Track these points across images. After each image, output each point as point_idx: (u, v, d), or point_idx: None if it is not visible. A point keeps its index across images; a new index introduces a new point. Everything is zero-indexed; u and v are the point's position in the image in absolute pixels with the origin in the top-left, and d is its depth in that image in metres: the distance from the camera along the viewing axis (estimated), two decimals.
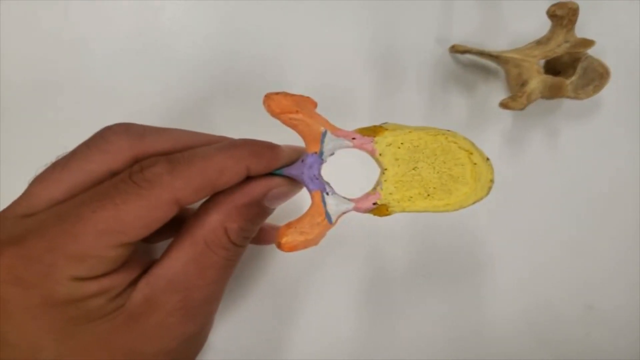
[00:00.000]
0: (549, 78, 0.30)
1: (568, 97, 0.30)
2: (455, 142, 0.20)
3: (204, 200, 0.21)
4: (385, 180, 0.20)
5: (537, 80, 0.30)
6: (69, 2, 0.31)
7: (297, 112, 0.19)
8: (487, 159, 0.20)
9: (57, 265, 0.17)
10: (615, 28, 0.34)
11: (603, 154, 0.33)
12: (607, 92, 0.31)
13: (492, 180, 0.20)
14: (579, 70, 0.30)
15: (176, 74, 0.31)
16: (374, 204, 0.20)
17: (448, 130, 0.20)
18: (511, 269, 0.32)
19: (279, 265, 0.30)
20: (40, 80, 0.30)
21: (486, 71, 0.33)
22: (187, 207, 0.22)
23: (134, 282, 0.19)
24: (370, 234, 0.31)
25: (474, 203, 0.20)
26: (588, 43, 0.29)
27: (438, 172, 0.20)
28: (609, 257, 0.33)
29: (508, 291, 0.32)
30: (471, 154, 0.20)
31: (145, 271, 0.20)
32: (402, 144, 0.20)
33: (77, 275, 0.18)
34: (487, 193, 0.20)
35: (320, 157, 0.20)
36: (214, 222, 0.20)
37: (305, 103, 0.20)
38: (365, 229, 0.31)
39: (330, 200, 0.20)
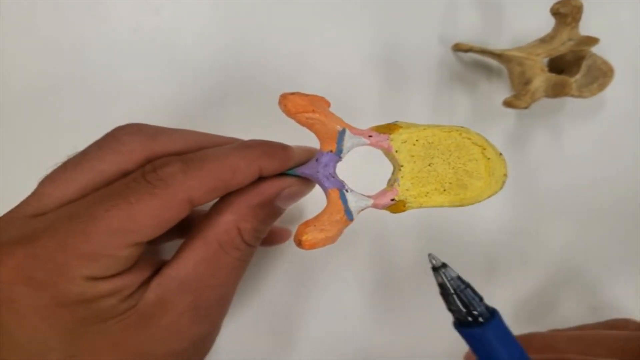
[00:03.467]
0: (553, 76, 0.29)
1: (572, 95, 0.30)
2: (468, 138, 0.20)
3: (214, 201, 0.21)
4: (401, 177, 0.20)
5: (540, 79, 0.29)
6: (69, 2, 0.31)
7: (313, 111, 0.19)
8: (500, 154, 0.20)
9: (69, 264, 0.17)
10: (619, 26, 0.34)
11: (607, 153, 0.33)
12: (611, 90, 0.31)
13: (505, 175, 0.20)
14: (583, 68, 0.30)
15: (180, 75, 0.31)
16: (392, 200, 0.20)
17: (461, 127, 0.21)
18: (514, 268, 0.32)
19: (285, 265, 0.30)
20: (40, 82, 0.30)
21: (489, 70, 0.33)
22: (195, 209, 0.22)
23: (145, 283, 0.19)
24: (376, 232, 0.31)
25: (488, 197, 0.20)
26: (592, 41, 0.29)
27: (453, 168, 0.20)
28: (613, 257, 0.33)
29: (511, 291, 0.32)
30: (484, 149, 0.20)
31: (156, 272, 0.20)
32: (417, 140, 0.20)
33: (90, 274, 0.18)
34: (502, 187, 0.20)
35: (337, 155, 0.20)
36: (228, 222, 0.20)
37: (320, 102, 0.20)
38: (372, 228, 0.31)
39: (350, 197, 0.20)
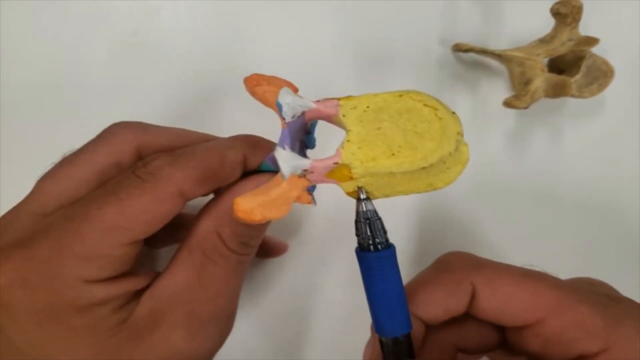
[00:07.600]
0: (553, 77, 0.29)
1: (572, 95, 0.30)
2: (420, 100, 0.19)
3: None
4: (348, 141, 0.19)
5: (540, 79, 0.29)
6: (69, 3, 0.31)
7: (268, 84, 0.19)
8: (454, 112, 0.19)
9: (65, 265, 0.17)
10: (619, 26, 0.34)
11: (607, 153, 0.33)
12: (611, 90, 0.30)
13: (459, 133, 0.19)
14: (583, 68, 0.30)
15: (176, 74, 0.31)
16: (335, 163, 0.19)
17: (413, 90, 0.20)
18: None
19: (282, 268, 0.30)
20: (40, 80, 0.30)
21: (489, 70, 0.33)
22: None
23: (138, 294, 0.19)
24: None
25: (440, 158, 0.19)
26: (592, 41, 0.29)
27: (403, 130, 0.19)
28: (613, 256, 0.33)
29: None
30: (436, 109, 0.19)
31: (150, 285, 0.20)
32: (367, 107, 0.19)
33: (85, 276, 0.17)
34: (454, 146, 0.19)
35: (280, 113, 0.19)
36: (206, 228, 0.20)
37: (279, 82, 0.20)
38: None
39: (282, 154, 0.18)
